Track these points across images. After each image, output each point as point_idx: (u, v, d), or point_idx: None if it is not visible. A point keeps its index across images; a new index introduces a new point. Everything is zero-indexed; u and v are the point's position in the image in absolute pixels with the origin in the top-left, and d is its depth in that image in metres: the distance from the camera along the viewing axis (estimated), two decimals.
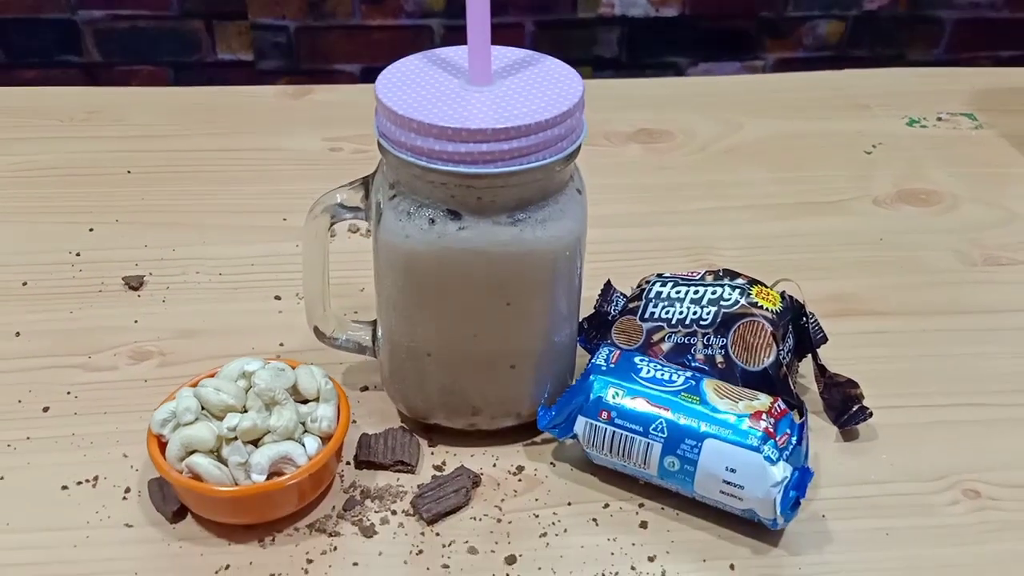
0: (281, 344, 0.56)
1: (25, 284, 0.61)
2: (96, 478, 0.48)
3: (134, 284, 0.61)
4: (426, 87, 0.43)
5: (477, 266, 0.43)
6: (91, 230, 0.67)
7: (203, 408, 0.45)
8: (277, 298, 0.60)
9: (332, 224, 0.47)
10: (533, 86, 0.43)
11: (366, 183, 0.46)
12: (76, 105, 0.82)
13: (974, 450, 0.51)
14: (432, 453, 0.50)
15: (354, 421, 0.51)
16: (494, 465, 0.49)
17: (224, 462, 0.44)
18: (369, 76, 1.10)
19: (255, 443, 0.45)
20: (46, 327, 0.58)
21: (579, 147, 0.44)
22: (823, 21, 1.54)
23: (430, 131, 0.40)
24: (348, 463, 0.49)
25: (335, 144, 0.77)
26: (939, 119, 0.83)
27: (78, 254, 0.64)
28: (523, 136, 0.41)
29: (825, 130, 0.81)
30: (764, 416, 0.44)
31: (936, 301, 0.62)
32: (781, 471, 0.43)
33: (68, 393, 0.53)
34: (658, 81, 0.98)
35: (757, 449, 0.43)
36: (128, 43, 1.47)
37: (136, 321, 0.58)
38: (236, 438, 0.44)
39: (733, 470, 0.43)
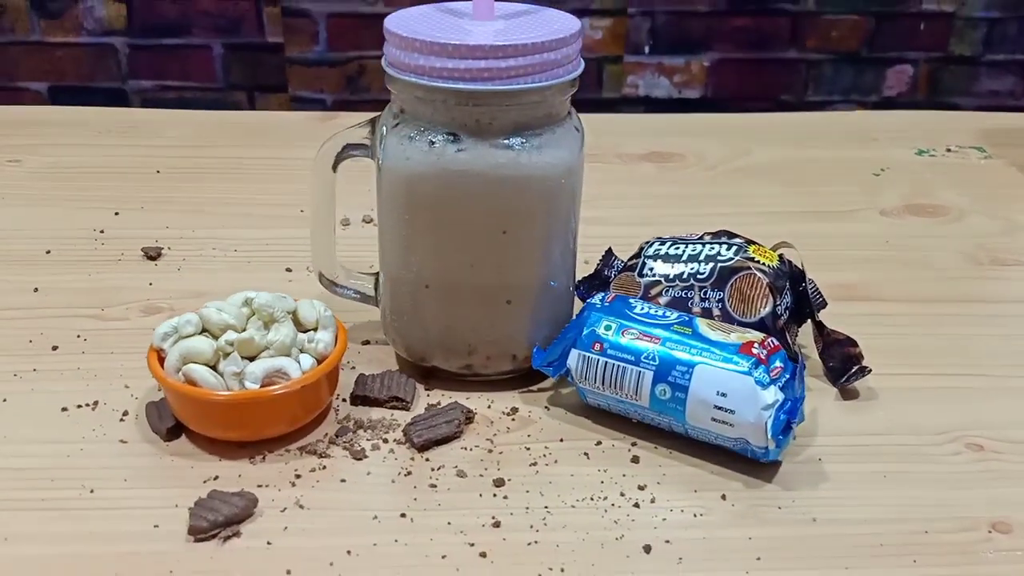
0: None
1: (48, 252, 0.64)
2: (96, 403, 0.49)
3: (152, 255, 0.63)
4: (432, 21, 0.46)
5: (474, 188, 0.45)
6: (116, 214, 0.69)
7: (204, 330, 0.46)
8: (288, 270, 0.62)
9: (338, 161, 0.49)
10: (533, 22, 0.46)
11: (372, 123, 0.48)
12: (113, 122, 0.86)
13: (975, 411, 0.50)
14: (428, 395, 0.50)
15: (352, 367, 0.52)
16: (489, 407, 0.49)
17: (220, 374, 0.44)
18: None
19: (251, 360, 0.45)
20: (64, 285, 0.60)
21: (575, 80, 0.46)
22: (843, 105, 1.59)
23: (432, 49, 0.43)
24: (344, 400, 0.49)
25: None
26: (948, 150, 0.85)
27: (102, 231, 0.67)
28: (521, 55, 0.43)
29: (834, 156, 0.83)
30: (756, 346, 0.44)
31: (939, 292, 0.62)
32: (772, 395, 0.43)
33: (78, 336, 0.54)
34: (675, 116, 1.01)
35: (748, 373, 0.43)
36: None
37: (151, 284, 0.60)
38: (233, 351, 0.45)
39: (724, 394, 0.43)
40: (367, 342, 0.54)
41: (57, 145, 0.81)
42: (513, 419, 0.48)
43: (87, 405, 0.48)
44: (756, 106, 1.57)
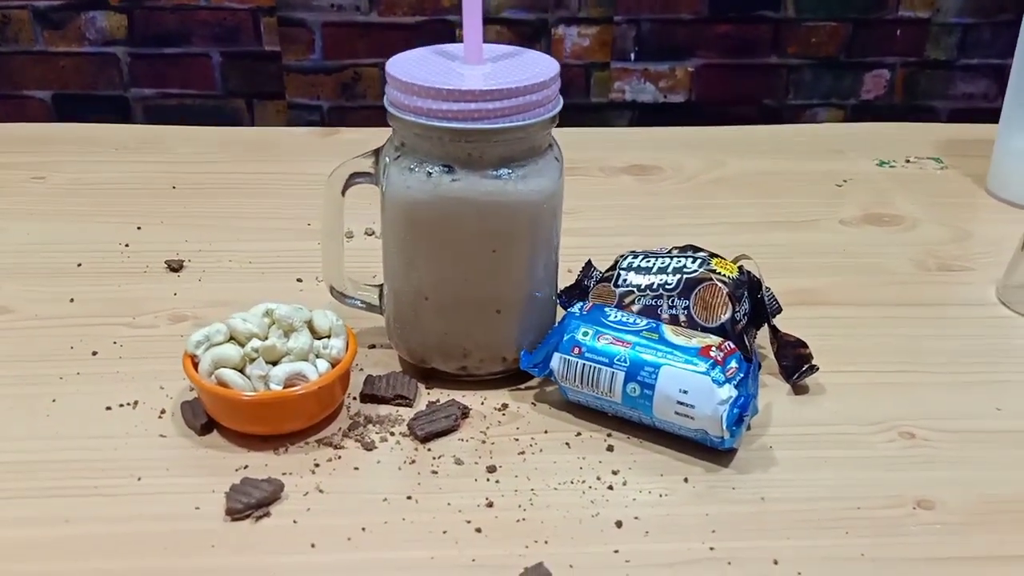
0: None
1: (80, 265, 0.70)
2: (136, 402, 0.55)
3: (175, 267, 0.69)
4: (428, 65, 0.52)
5: (467, 213, 0.51)
6: (139, 228, 0.76)
7: (232, 337, 0.52)
8: (299, 280, 0.68)
9: (347, 187, 0.55)
10: (517, 65, 0.52)
11: (376, 153, 0.55)
12: (128, 137, 0.93)
13: (913, 404, 0.56)
14: (428, 393, 0.56)
15: (361, 369, 0.58)
16: (482, 403, 0.56)
17: (248, 377, 0.51)
18: None
19: (274, 364, 0.52)
20: (97, 296, 0.66)
21: (555, 116, 0.52)
22: (822, 109, 1.65)
23: (429, 93, 0.49)
24: (355, 398, 0.56)
25: None
26: (907, 161, 0.92)
27: (127, 245, 0.73)
28: (507, 98, 0.49)
29: (801, 169, 0.90)
30: (714, 349, 0.51)
31: (889, 296, 0.69)
32: (727, 391, 0.50)
33: (114, 343, 0.61)
34: (655, 130, 1.08)
35: (706, 373, 0.50)
36: (174, 117, 1.60)
37: (175, 294, 0.67)
38: (259, 357, 0.51)
39: (685, 391, 0.50)
40: (373, 346, 0.61)
41: (76, 162, 0.87)
42: (504, 414, 0.55)
43: (128, 404, 0.55)
44: (739, 110, 1.63)
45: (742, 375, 0.51)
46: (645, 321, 0.54)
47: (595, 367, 0.52)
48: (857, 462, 0.52)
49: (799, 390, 0.58)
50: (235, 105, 1.61)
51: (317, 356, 0.53)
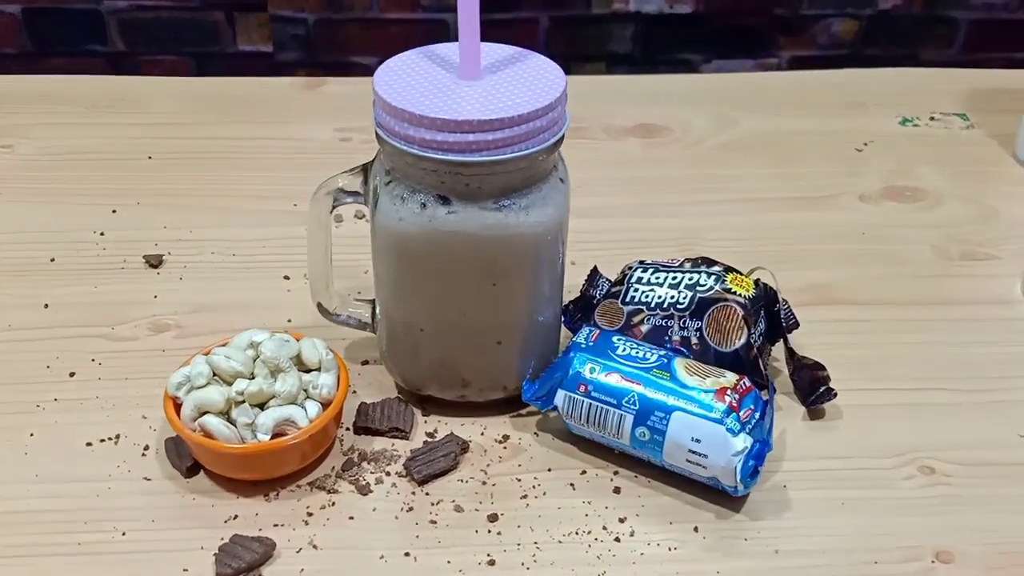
0: (289, 320, 0.61)
1: (53, 260, 0.66)
2: (118, 436, 0.52)
3: (154, 262, 0.65)
4: (420, 81, 0.47)
5: (465, 248, 0.47)
6: (114, 211, 0.71)
7: (215, 374, 0.49)
8: (286, 277, 0.65)
9: (334, 207, 0.51)
10: (518, 81, 0.47)
11: (365, 170, 0.50)
12: (101, 92, 0.86)
13: (932, 431, 0.54)
14: (425, 422, 0.54)
15: (354, 391, 0.55)
16: (482, 434, 0.53)
17: (233, 422, 0.48)
18: None
19: (261, 406, 0.49)
20: (73, 299, 0.62)
21: (561, 138, 0.47)
22: (837, 19, 1.56)
23: (422, 122, 0.44)
24: (348, 429, 0.53)
25: (345, 134, 0.81)
26: (932, 119, 0.86)
27: (102, 233, 0.69)
28: (508, 127, 0.44)
29: (819, 128, 0.84)
30: (729, 392, 0.48)
31: (911, 293, 0.65)
32: (742, 442, 0.47)
33: (92, 360, 0.57)
34: (663, 78, 1.02)
35: (720, 421, 0.47)
36: (151, 33, 1.51)
37: (155, 296, 0.63)
38: (244, 401, 0.48)
39: (698, 440, 0.47)
40: (366, 362, 0.58)
41: (46, 124, 0.81)
42: (505, 446, 0.52)
43: (110, 439, 0.52)
44: (749, 21, 1.54)
45: (758, 416, 0.48)
46: (656, 356, 0.50)
47: (602, 408, 0.49)
48: (875, 505, 0.49)
49: (814, 414, 0.55)
50: (214, 18, 1.52)
51: (307, 394, 0.50)
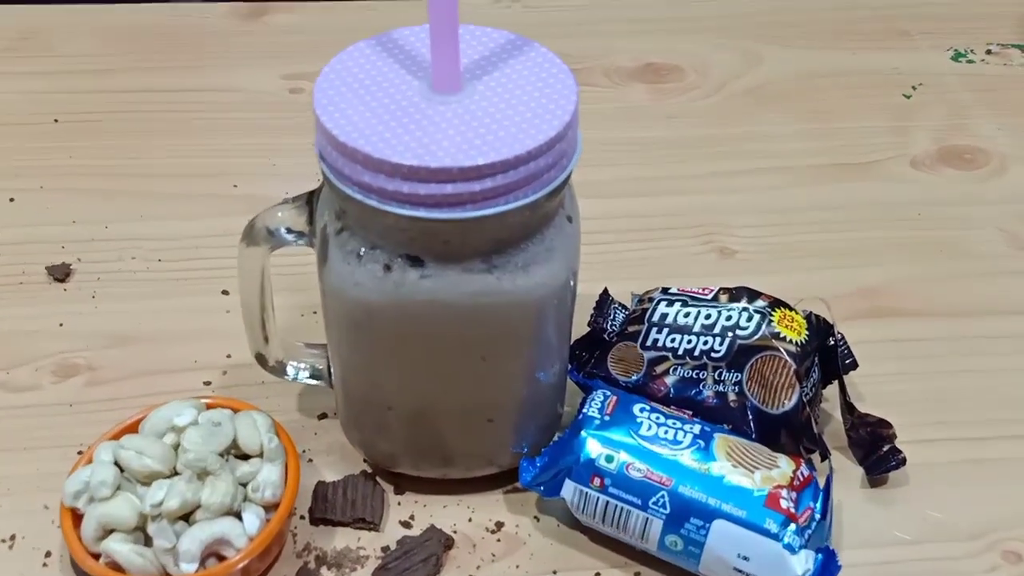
0: (228, 356, 0.49)
1: None
2: (13, 537, 0.41)
3: (59, 276, 0.53)
4: (378, 96, 0.34)
5: (444, 321, 0.35)
6: (11, 200, 0.58)
7: (123, 471, 0.38)
8: (224, 292, 0.53)
9: (272, 251, 0.39)
10: (512, 92, 0.34)
11: (310, 202, 0.38)
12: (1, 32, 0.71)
13: (1014, 498, 0.44)
14: (399, 504, 0.43)
15: (310, 460, 0.44)
16: (469, 520, 0.43)
17: (149, 541, 0.37)
18: None
19: (186, 518, 0.38)
20: None
21: (570, 174, 0.35)
22: None
23: (382, 167, 0.32)
24: (302, 517, 0.42)
25: (296, 84, 0.67)
26: (988, 52, 0.73)
27: None
28: (500, 172, 0.32)
29: (859, 67, 0.71)
30: (784, 493, 0.38)
31: (978, 297, 0.54)
32: (803, 562, 0.37)
33: None
34: (671, 7, 0.86)
35: (776, 537, 0.37)
36: None
37: (61, 324, 0.51)
38: (161, 517, 0.37)
39: (746, 558, 0.37)
40: (323, 415, 0.47)
41: None
42: (498, 539, 0.42)
43: (3, 541, 0.41)
44: None
45: (818, 516, 0.38)
46: (690, 436, 0.39)
47: (623, 508, 0.39)
48: None
49: (875, 480, 0.45)
50: None
51: (245, 498, 0.39)
